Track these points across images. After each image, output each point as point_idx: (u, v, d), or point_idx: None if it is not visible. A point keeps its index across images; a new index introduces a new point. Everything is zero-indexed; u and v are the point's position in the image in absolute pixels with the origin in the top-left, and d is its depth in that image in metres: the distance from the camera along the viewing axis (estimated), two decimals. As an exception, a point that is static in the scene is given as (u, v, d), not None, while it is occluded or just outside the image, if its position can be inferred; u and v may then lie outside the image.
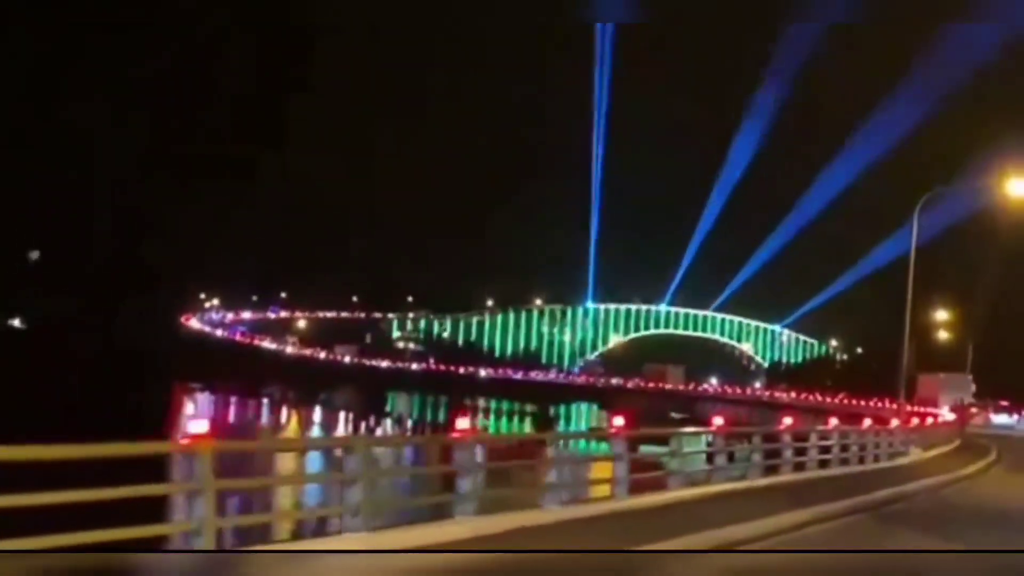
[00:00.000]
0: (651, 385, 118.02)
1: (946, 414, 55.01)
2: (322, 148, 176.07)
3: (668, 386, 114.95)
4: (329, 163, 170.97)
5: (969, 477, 27.58)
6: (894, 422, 30.88)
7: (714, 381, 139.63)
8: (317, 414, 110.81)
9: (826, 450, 24.52)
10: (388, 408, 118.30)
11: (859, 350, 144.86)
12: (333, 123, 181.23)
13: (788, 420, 27.84)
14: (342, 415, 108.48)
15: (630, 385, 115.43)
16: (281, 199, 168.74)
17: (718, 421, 21.58)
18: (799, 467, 22.87)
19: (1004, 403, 72.81)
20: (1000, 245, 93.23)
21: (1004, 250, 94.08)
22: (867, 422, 28.43)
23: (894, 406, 64.19)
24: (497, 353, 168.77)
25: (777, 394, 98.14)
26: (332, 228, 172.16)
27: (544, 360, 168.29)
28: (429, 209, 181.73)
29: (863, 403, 78.16)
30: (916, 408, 56.50)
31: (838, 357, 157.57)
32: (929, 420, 37.67)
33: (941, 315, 79.03)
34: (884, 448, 28.38)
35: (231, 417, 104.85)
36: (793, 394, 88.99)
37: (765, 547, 12.69)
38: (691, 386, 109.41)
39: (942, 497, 21.79)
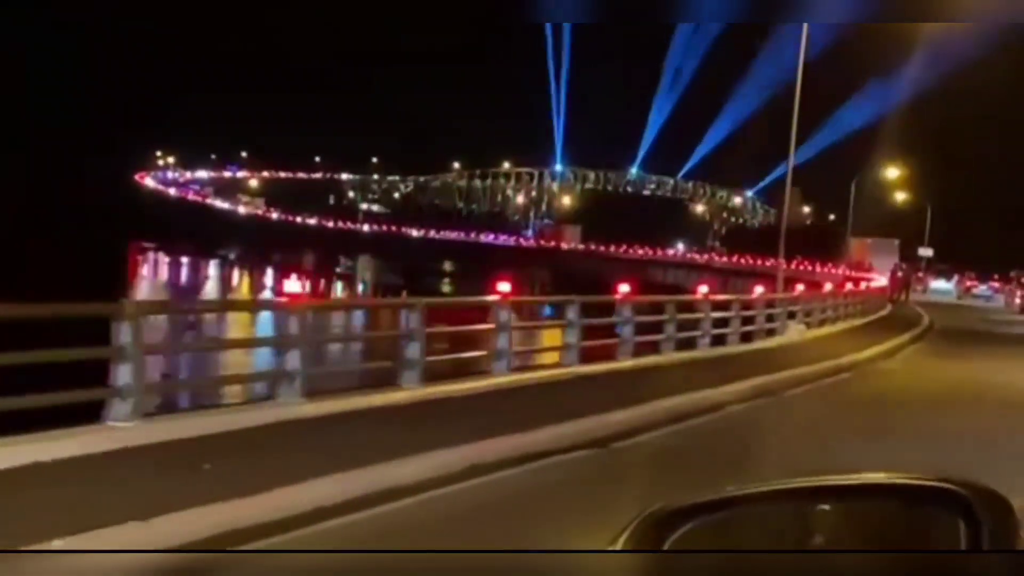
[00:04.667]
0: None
1: (880, 280, 52.01)
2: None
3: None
4: (295, 21, 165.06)
5: (854, 366, 21.07)
6: (758, 289, 25.02)
7: (680, 246, 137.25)
8: (269, 276, 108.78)
9: (607, 332, 18.64)
10: (342, 270, 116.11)
11: (831, 217, 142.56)
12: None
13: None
14: (294, 277, 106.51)
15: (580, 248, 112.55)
16: (246, 57, 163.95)
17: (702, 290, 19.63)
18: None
19: (942, 267, 69.68)
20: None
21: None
22: (703, 289, 21.92)
23: (836, 271, 61.71)
24: (462, 215, 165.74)
25: (712, 258, 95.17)
26: (299, 86, 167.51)
27: (510, 223, 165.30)
28: (398, 69, 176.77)
29: (818, 268, 75.05)
30: (848, 273, 53.93)
31: (806, 223, 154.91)
32: (828, 286, 32.28)
33: (892, 173, 74.33)
34: (736, 326, 22.26)
35: (182, 278, 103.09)
36: (735, 259, 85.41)
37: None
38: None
39: (744, 417, 14.63)
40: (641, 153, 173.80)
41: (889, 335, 27.92)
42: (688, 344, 20.40)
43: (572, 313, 16.78)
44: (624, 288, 18.34)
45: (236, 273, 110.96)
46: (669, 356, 19.29)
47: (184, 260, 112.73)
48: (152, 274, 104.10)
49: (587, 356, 17.28)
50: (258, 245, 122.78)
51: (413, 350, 13.31)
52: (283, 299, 12.96)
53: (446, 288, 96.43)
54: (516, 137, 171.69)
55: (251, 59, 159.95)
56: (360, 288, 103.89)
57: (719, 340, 21.51)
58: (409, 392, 12.95)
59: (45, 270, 45.47)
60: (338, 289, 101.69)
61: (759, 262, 75.59)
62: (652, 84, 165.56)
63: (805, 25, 27.02)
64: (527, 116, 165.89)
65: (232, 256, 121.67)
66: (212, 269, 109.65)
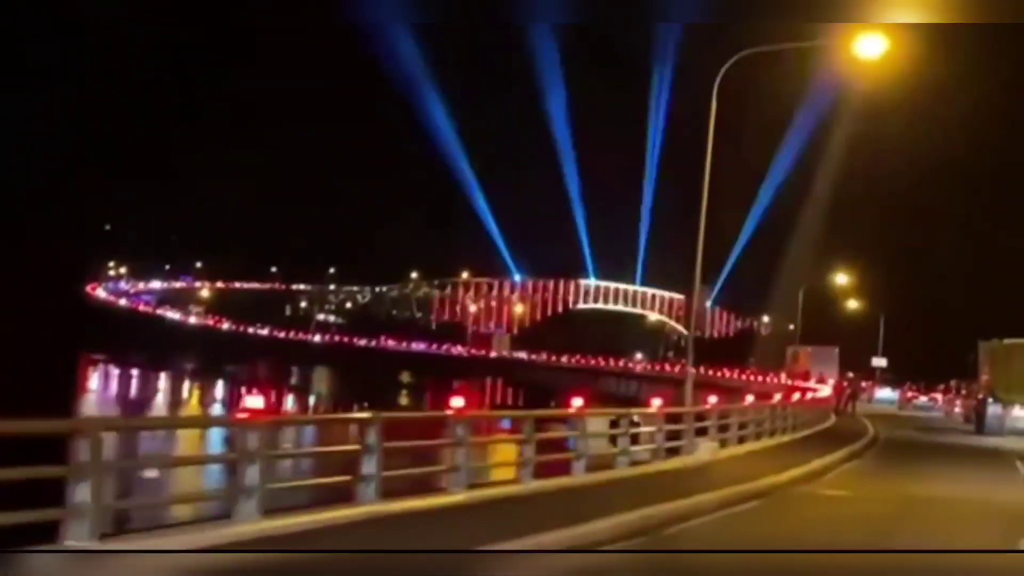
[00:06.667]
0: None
1: (823, 389, 50.88)
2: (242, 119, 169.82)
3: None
4: (250, 134, 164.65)
5: (770, 492, 18.40)
6: (656, 402, 21.72)
7: (639, 356, 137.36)
8: (219, 389, 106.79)
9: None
10: (296, 381, 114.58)
11: (791, 326, 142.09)
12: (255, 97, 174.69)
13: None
14: (244, 390, 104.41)
15: (530, 358, 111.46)
16: (201, 167, 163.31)
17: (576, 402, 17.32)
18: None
19: (888, 376, 69.08)
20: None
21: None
22: (576, 402, 18.12)
23: (776, 380, 60.61)
24: (419, 326, 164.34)
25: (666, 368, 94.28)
26: (252, 197, 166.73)
27: (467, 333, 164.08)
28: (354, 183, 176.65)
29: (766, 379, 73.97)
30: (793, 382, 52.95)
31: (763, 332, 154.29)
32: (750, 398, 30.29)
33: (841, 279, 73.38)
34: (625, 444, 19.22)
35: (132, 391, 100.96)
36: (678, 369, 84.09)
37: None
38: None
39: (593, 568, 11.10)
40: (595, 263, 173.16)
41: (822, 452, 25.35)
42: (562, 468, 17.06)
43: (372, 436, 12.55)
44: (457, 402, 14.73)
45: (187, 385, 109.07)
46: (524, 485, 15.77)
47: (134, 372, 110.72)
48: (102, 387, 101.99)
49: (400, 488, 13.34)
50: (210, 356, 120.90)
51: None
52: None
53: (404, 400, 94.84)
54: (474, 248, 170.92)
55: (206, 170, 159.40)
56: (312, 400, 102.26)
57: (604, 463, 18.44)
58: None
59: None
60: (289, 402, 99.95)
61: (718, 373, 74.35)
62: (603, 194, 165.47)
63: (709, 141, 26.03)
64: (486, 227, 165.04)
65: (184, 368, 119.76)
66: (162, 382, 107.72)
